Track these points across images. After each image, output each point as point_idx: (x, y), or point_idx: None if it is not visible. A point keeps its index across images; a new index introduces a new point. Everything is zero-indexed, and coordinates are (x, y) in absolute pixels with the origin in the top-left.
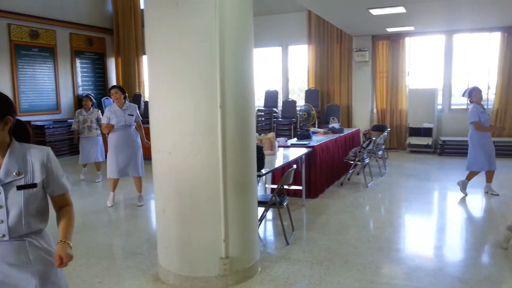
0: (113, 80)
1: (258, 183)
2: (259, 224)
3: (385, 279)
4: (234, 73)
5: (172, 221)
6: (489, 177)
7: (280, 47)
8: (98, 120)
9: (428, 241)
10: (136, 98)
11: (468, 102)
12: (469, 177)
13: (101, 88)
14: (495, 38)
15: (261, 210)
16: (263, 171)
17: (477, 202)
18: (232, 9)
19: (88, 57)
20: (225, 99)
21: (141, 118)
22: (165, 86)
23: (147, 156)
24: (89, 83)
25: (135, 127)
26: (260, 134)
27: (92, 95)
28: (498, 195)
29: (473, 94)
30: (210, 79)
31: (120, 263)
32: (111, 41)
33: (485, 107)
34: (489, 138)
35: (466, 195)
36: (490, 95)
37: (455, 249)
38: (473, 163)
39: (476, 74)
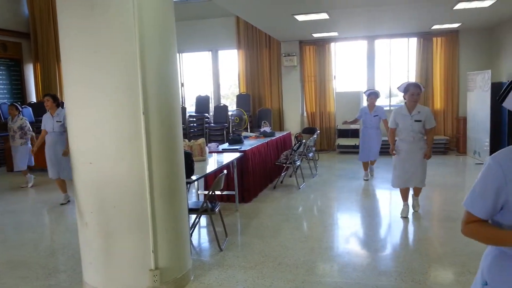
0: (31, 88)
1: (188, 190)
2: (191, 232)
3: (317, 277)
4: (157, 78)
5: (96, 235)
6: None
7: (210, 52)
8: (22, 129)
9: (357, 237)
10: None
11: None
12: (364, 167)
13: (18, 96)
14: (412, 43)
15: (194, 217)
16: (193, 177)
17: (400, 199)
18: (151, 12)
19: (3, 63)
20: (148, 105)
21: None
22: (82, 92)
23: None
24: (5, 91)
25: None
26: (190, 140)
27: (19, 103)
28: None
29: (369, 97)
30: (131, 84)
31: (42, 282)
32: (28, 46)
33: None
34: (368, 136)
35: (365, 180)
36: None
37: (381, 244)
38: (359, 154)
39: (396, 77)
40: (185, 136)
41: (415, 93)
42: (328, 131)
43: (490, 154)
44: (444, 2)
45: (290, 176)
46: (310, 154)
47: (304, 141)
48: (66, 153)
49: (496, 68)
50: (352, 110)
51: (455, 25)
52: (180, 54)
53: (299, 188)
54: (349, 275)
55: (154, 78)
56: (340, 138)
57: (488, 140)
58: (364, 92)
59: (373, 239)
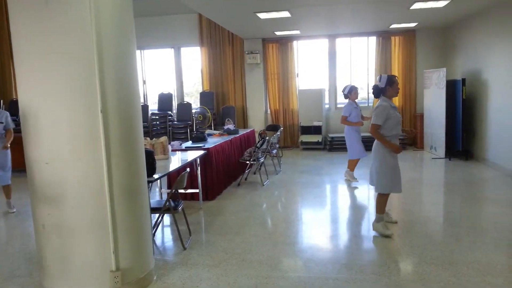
0: None
1: (150, 189)
2: (154, 231)
3: (280, 273)
4: (116, 75)
5: (54, 237)
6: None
7: (172, 49)
8: None
9: (320, 232)
10: (13, 105)
11: (345, 98)
12: (351, 167)
13: None
14: (372, 42)
15: (157, 217)
16: (156, 176)
17: (361, 193)
18: (109, 8)
19: None
20: (106, 103)
21: (13, 126)
22: (38, 90)
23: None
24: None
25: (5, 135)
26: (152, 139)
27: None
28: (357, 181)
29: (353, 92)
30: (89, 82)
31: None
32: None
33: (367, 104)
34: (359, 131)
35: (357, 181)
36: (370, 94)
37: (343, 238)
38: (351, 152)
39: (357, 75)
40: (148, 134)
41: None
42: (291, 128)
43: (446, 149)
44: (401, 2)
45: (254, 173)
46: (274, 151)
47: (267, 138)
48: (7, 147)
49: (451, 66)
50: (314, 108)
51: (412, 25)
52: (142, 50)
53: (263, 185)
54: (312, 270)
55: (113, 76)
56: (303, 135)
57: (443, 135)
58: (343, 90)
59: (336, 234)
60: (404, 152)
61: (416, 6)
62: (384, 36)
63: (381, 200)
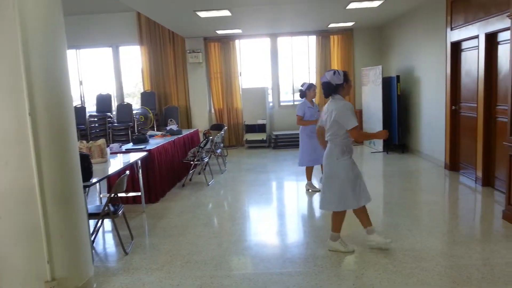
0: None
1: (87, 194)
2: (94, 238)
3: (225, 271)
4: (45, 76)
5: None
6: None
7: (110, 48)
8: None
9: (265, 229)
10: None
11: (300, 97)
12: (307, 175)
13: None
14: (312, 41)
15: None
16: (93, 180)
17: (303, 188)
18: (34, 3)
19: None
20: (35, 105)
21: None
22: None
23: None
24: None
25: None
26: (88, 141)
27: None
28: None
29: (311, 89)
30: (15, 83)
31: None
32: None
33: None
34: (314, 134)
35: (313, 191)
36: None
37: (288, 233)
38: (301, 159)
39: (299, 73)
40: (86, 137)
41: None
42: (236, 127)
43: (384, 143)
44: (338, 1)
45: (199, 174)
46: (218, 151)
47: (211, 137)
48: None
49: (386, 64)
50: (258, 106)
51: (349, 24)
52: (77, 50)
53: (208, 185)
54: (257, 266)
55: (41, 76)
56: (248, 133)
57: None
58: (301, 85)
59: (281, 229)
60: None
61: (352, 5)
62: (324, 35)
63: (336, 218)
